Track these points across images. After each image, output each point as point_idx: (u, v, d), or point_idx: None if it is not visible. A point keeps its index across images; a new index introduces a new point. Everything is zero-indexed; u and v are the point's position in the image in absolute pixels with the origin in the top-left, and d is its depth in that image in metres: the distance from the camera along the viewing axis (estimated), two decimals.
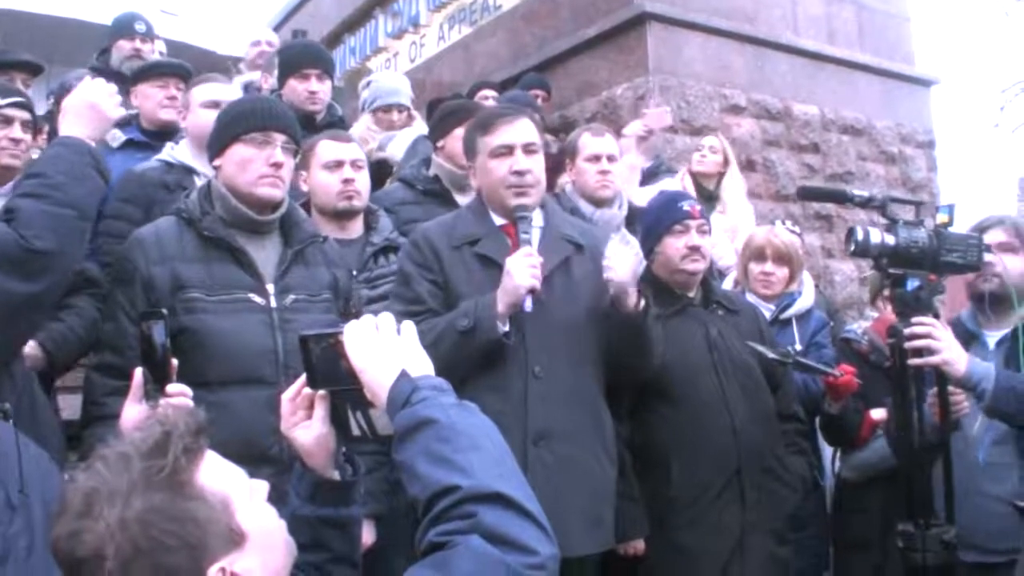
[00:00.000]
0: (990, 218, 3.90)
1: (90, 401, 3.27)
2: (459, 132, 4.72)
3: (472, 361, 3.40)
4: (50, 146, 3.14)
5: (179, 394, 2.66)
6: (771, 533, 3.91)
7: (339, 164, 4.26)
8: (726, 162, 6.15)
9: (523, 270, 3.35)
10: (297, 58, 5.68)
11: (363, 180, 4.34)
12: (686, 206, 4.13)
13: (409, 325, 1.93)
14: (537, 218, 3.69)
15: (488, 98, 7.07)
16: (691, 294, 4.15)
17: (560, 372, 3.50)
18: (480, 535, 1.53)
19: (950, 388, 3.49)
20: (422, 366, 1.85)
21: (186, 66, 5.62)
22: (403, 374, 1.79)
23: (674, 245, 4.08)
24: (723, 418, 3.89)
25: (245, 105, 3.63)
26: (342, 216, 4.29)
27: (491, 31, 9.81)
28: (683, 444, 3.86)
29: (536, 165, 3.65)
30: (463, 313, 3.42)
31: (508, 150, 3.62)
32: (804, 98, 8.89)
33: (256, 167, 3.34)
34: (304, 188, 4.34)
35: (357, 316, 2.03)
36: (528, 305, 3.38)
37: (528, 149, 3.63)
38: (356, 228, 4.37)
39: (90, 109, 3.11)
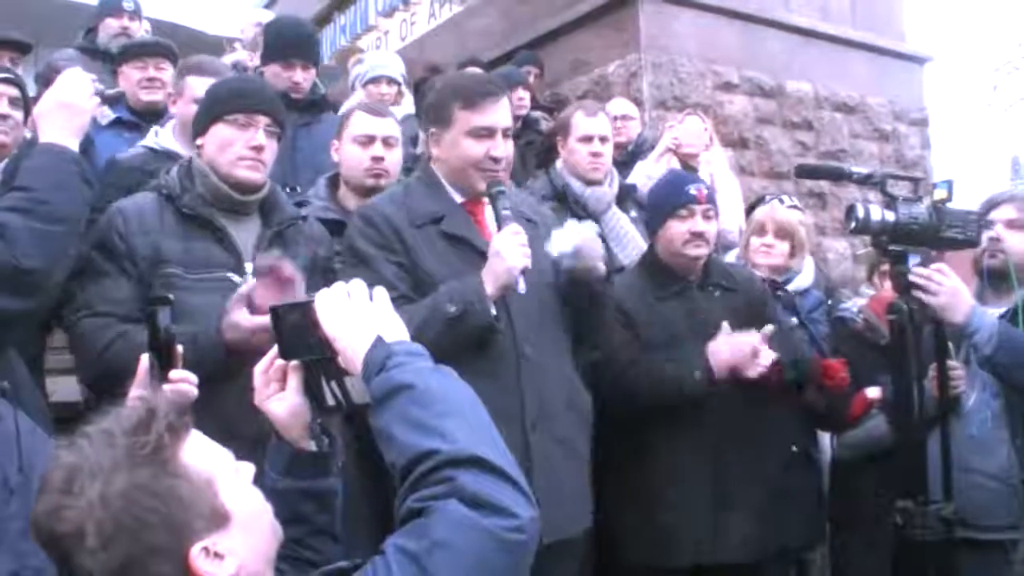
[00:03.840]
0: (1002, 194, 3.90)
1: (98, 352, 3.17)
2: None
3: (461, 348, 3.15)
4: (33, 154, 3.05)
5: (182, 380, 2.56)
6: (752, 511, 3.89)
7: (370, 140, 4.16)
8: (710, 140, 6.13)
9: (514, 249, 3.21)
10: (283, 45, 5.47)
11: (394, 158, 4.23)
12: (693, 190, 4.08)
13: (381, 291, 1.91)
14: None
15: None
16: (692, 277, 4.13)
17: (545, 352, 3.43)
18: (459, 499, 1.53)
19: (949, 363, 3.49)
20: (396, 331, 1.84)
21: (166, 44, 5.55)
22: (378, 340, 1.79)
23: (678, 229, 4.04)
24: (706, 399, 3.88)
25: (230, 85, 3.61)
26: (370, 192, 4.09)
27: (482, 8, 9.77)
28: (662, 421, 3.87)
29: (510, 149, 3.54)
30: (448, 299, 3.23)
31: (489, 132, 3.43)
32: (797, 75, 8.87)
33: (236, 149, 3.31)
34: (335, 158, 4.28)
35: None
36: (521, 286, 3.24)
37: (506, 133, 3.50)
38: None
39: (65, 108, 3.06)
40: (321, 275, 3.43)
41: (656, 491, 3.88)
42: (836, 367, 4.27)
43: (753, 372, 3.79)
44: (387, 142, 4.18)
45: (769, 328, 3.89)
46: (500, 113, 3.47)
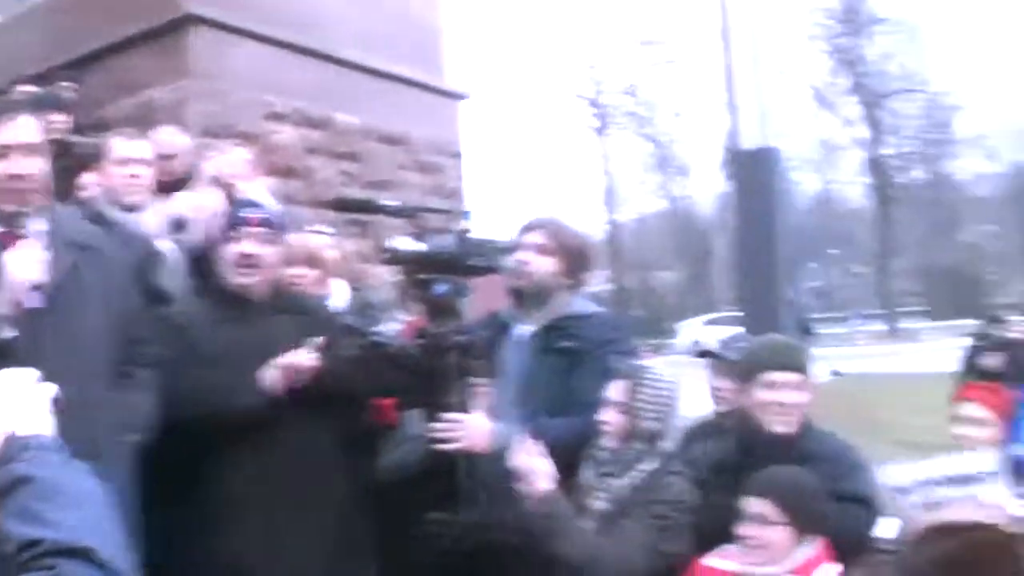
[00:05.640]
0: (537, 220, 4.17)
1: None
2: None
3: None
4: None
5: None
6: (307, 538, 3.92)
7: None
8: (251, 170, 6.16)
9: (25, 263, 3.14)
10: None
11: None
12: (248, 213, 4.09)
13: (48, 387, 1.90)
14: (41, 223, 3.41)
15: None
16: (257, 301, 4.07)
17: (71, 382, 3.30)
18: None
19: (473, 380, 3.70)
20: (38, 425, 1.81)
21: None
22: (11, 435, 1.76)
23: (229, 251, 4.00)
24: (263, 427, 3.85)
25: None
26: None
27: (22, 22, 9.28)
28: (219, 451, 3.83)
29: (37, 166, 3.41)
30: None
31: (3, 152, 3.34)
32: (346, 108, 9.14)
33: None
34: None
35: None
36: (33, 301, 3.16)
37: (24, 150, 3.37)
38: None
39: None
40: None
41: (215, 522, 3.81)
42: (388, 408, 4.42)
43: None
44: None
45: (319, 339, 3.90)
46: (11, 132, 3.37)
